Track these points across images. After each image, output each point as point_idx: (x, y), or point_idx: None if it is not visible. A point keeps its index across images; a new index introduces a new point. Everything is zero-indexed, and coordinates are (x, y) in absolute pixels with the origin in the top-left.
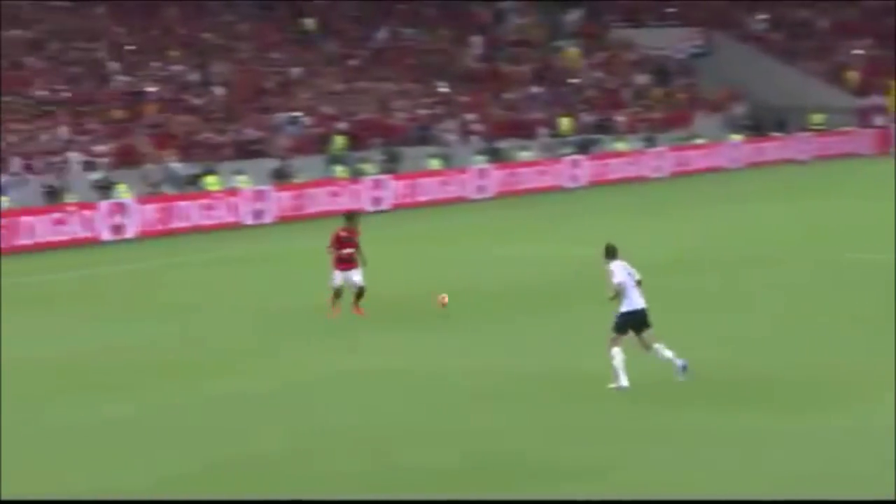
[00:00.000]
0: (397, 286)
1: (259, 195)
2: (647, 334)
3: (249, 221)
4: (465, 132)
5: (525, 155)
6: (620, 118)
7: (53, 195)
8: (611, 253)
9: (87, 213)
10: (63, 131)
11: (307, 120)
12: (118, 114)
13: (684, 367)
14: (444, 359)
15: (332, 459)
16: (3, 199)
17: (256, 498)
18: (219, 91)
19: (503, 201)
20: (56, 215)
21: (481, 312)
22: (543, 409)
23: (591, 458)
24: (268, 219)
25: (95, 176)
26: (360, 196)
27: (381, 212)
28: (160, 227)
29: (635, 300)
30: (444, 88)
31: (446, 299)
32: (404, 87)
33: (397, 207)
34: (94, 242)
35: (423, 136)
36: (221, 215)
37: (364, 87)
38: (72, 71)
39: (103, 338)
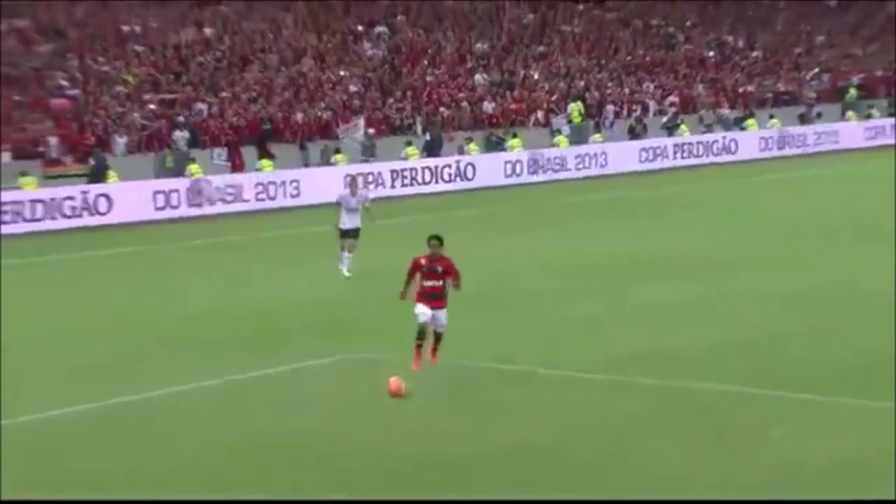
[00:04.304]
0: None
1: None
2: (350, 243)
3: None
4: None
5: None
6: None
7: (633, 133)
8: (352, 180)
9: (658, 146)
10: (646, 86)
11: (826, 76)
12: (683, 72)
13: (346, 275)
14: None
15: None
16: (597, 136)
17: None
18: (759, 54)
19: None
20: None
21: None
22: None
23: None
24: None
25: (664, 119)
26: (859, 134)
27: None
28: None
29: (349, 221)
30: None
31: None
32: None
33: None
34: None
35: None
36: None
37: (874, 51)
38: (650, 42)
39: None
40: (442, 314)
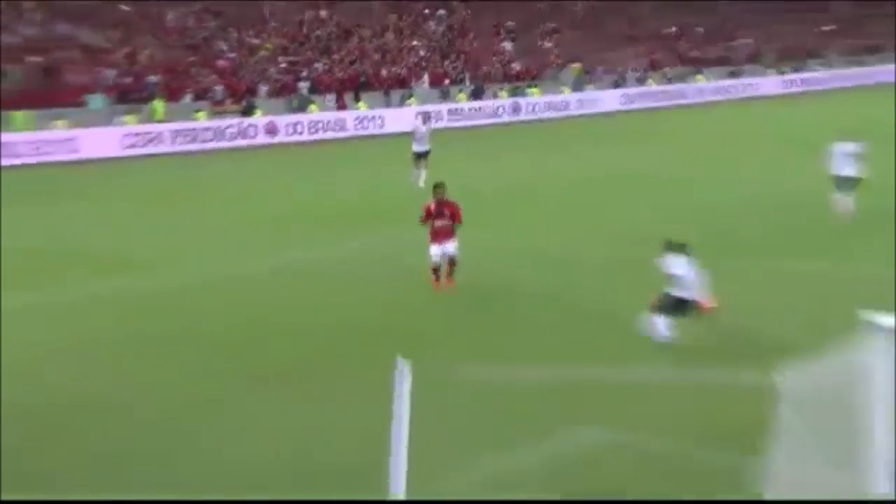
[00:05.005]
0: None
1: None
2: (423, 162)
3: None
4: None
5: None
6: None
7: (616, 85)
8: (424, 116)
9: (633, 94)
10: (626, 51)
11: (751, 45)
12: (652, 46)
13: (420, 185)
14: None
15: None
16: (590, 86)
17: None
18: (701, 30)
19: None
20: (619, 92)
21: None
22: None
23: None
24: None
25: (637, 75)
26: (778, 85)
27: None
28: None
29: (420, 146)
30: None
31: None
32: None
33: None
34: (640, 110)
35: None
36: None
37: (789, 28)
38: (628, 21)
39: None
40: (451, 245)
